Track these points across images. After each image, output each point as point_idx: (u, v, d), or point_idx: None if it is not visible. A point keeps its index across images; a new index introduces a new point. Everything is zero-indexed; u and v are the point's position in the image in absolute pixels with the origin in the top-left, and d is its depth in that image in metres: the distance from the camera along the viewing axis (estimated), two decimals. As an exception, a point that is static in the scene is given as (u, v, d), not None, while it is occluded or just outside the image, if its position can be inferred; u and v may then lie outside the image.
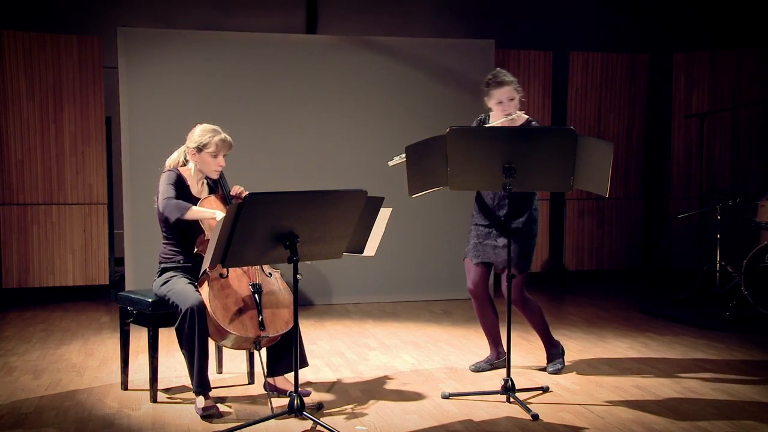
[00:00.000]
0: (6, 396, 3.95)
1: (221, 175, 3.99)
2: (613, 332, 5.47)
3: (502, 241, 4.20)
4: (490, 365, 4.46)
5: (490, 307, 4.45)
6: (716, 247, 6.18)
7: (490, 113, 4.31)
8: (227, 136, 3.91)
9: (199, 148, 3.87)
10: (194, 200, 3.87)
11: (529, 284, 4.57)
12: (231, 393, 4.02)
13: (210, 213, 3.74)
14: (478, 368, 4.46)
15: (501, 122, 4.15)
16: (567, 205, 7.79)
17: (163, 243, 3.95)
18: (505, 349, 4.54)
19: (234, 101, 6.41)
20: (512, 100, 4.17)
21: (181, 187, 3.86)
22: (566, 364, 4.46)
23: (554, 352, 4.44)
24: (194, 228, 3.82)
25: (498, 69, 4.29)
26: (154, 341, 3.85)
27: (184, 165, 3.98)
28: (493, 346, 4.51)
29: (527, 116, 4.28)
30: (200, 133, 3.89)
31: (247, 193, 4.01)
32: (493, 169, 3.72)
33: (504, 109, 4.17)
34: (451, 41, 7.06)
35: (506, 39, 7.74)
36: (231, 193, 3.97)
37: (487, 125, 4.25)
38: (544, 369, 4.43)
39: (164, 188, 3.82)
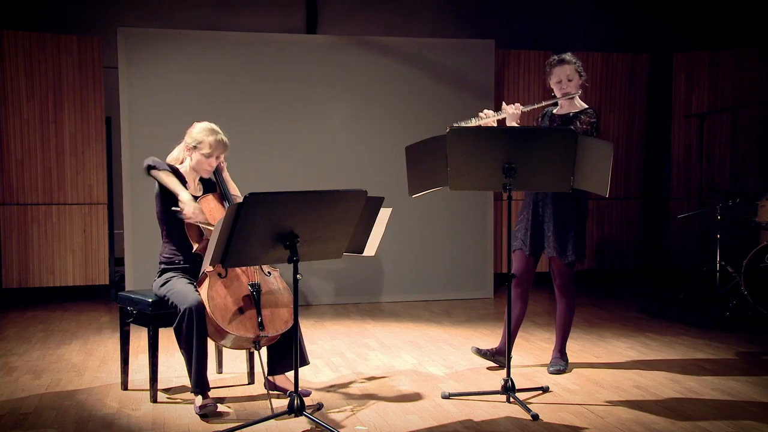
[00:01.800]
0: (6, 396, 3.95)
1: (219, 174, 3.99)
2: (613, 332, 5.47)
3: (551, 229, 4.27)
4: (492, 356, 4.47)
5: (523, 301, 4.49)
6: (716, 247, 6.18)
7: (552, 95, 4.38)
8: (224, 137, 3.90)
9: (195, 146, 3.89)
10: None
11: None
12: (231, 393, 4.02)
13: (174, 187, 3.76)
14: (479, 352, 4.49)
15: (554, 101, 4.30)
16: (567, 205, 7.78)
17: (164, 243, 3.95)
18: (510, 347, 4.60)
19: (234, 101, 6.41)
20: (571, 80, 4.26)
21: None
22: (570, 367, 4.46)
23: (561, 357, 4.44)
24: (192, 226, 3.82)
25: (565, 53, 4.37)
26: (154, 341, 3.85)
27: (182, 163, 3.99)
28: (504, 339, 4.52)
29: (584, 104, 4.33)
30: (198, 131, 3.91)
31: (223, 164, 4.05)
32: (493, 169, 3.73)
33: (562, 89, 4.27)
34: (451, 41, 7.06)
35: (506, 39, 7.74)
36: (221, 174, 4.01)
37: (541, 106, 4.36)
38: (545, 365, 4.44)
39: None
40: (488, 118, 4.17)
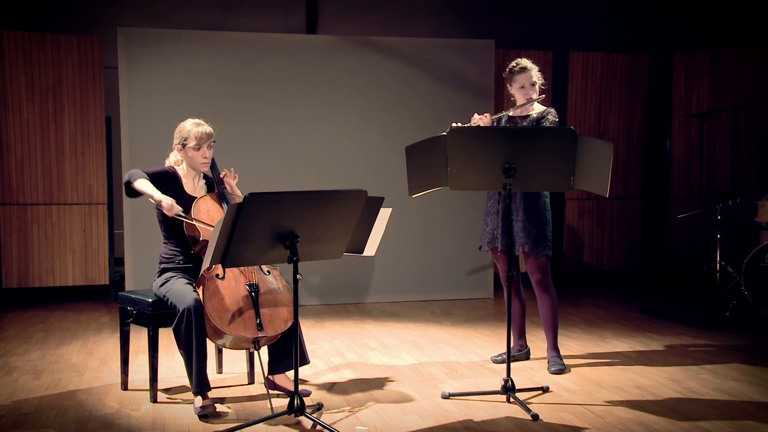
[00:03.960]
0: (6, 396, 3.95)
1: (218, 176, 3.99)
2: (613, 332, 5.47)
3: (516, 225, 4.35)
4: (513, 357, 4.50)
5: (517, 297, 4.60)
6: (716, 247, 6.18)
7: (513, 101, 4.52)
8: (208, 127, 3.93)
9: (183, 144, 3.90)
10: (189, 199, 3.88)
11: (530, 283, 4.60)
12: (231, 393, 4.02)
13: (150, 191, 3.75)
14: (498, 360, 4.59)
15: (520, 106, 4.39)
16: (567, 205, 7.79)
17: (163, 243, 3.95)
18: (525, 344, 4.71)
19: (234, 101, 6.41)
20: (534, 85, 4.40)
21: (171, 183, 3.89)
22: (566, 364, 4.46)
23: (556, 355, 4.44)
24: (191, 227, 3.82)
25: (519, 58, 4.51)
26: (154, 341, 3.85)
27: (182, 164, 4.00)
28: (516, 337, 4.63)
29: (546, 107, 4.43)
30: (181, 128, 3.94)
31: (228, 172, 4.03)
32: (493, 169, 3.73)
33: (525, 94, 4.39)
34: (451, 41, 7.06)
35: (506, 39, 7.74)
36: (220, 176, 4.00)
37: (509, 112, 4.45)
38: (544, 365, 4.44)
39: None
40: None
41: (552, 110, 4.40)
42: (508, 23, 8.26)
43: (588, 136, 4.17)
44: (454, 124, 4.00)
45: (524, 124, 4.39)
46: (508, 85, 4.48)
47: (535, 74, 4.41)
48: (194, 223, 3.75)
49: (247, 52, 6.50)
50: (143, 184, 3.79)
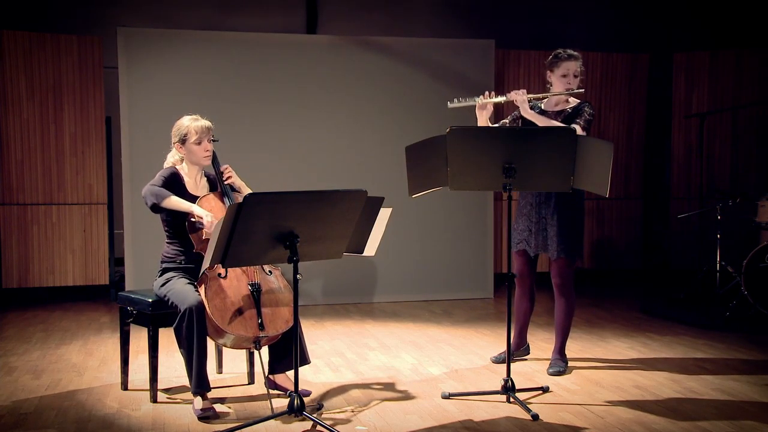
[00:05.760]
0: (6, 396, 3.95)
1: (220, 177, 3.98)
2: (613, 332, 5.47)
3: (556, 230, 4.28)
4: (511, 357, 4.50)
5: (528, 298, 4.57)
6: (716, 247, 6.18)
7: (548, 88, 4.35)
8: (206, 121, 3.92)
9: (182, 140, 3.89)
10: (192, 198, 3.87)
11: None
12: (231, 393, 4.02)
13: (187, 206, 3.73)
14: (498, 359, 4.59)
15: (555, 94, 4.27)
16: (567, 205, 7.78)
17: (166, 242, 3.94)
18: (524, 341, 4.70)
19: (234, 101, 6.41)
20: (576, 77, 4.27)
21: (175, 184, 3.87)
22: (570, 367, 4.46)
23: (559, 359, 4.44)
24: (192, 226, 3.81)
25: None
26: (154, 341, 3.85)
27: (182, 163, 4.00)
28: (516, 335, 4.61)
29: (581, 99, 4.33)
30: (179, 124, 3.92)
31: (228, 168, 4.01)
32: (493, 169, 3.73)
33: (568, 83, 4.25)
34: (451, 41, 7.06)
35: (506, 39, 7.74)
36: (221, 170, 3.98)
37: (545, 97, 4.33)
38: (545, 365, 4.44)
39: (155, 178, 3.86)
40: (488, 100, 4.22)
41: (588, 102, 4.29)
42: (508, 23, 8.25)
43: (588, 136, 4.15)
44: (453, 101, 4.02)
45: (559, 119, 4.27)
46: (548, 71, 4.31)
47: (581, 65, 4.26)
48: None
49: (247, 52, 6.50)
50: (174, 202, 3.74)
